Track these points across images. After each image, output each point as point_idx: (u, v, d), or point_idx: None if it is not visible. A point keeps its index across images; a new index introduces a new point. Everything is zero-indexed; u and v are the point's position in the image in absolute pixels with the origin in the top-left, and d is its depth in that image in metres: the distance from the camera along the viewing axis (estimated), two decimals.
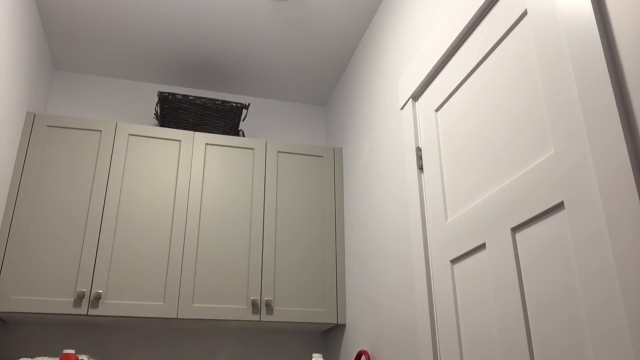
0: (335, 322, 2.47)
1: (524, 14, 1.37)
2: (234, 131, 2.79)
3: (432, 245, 1.73)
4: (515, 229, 1.32)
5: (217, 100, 2.74)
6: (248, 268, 2.46)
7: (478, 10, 1.55)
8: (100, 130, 2.50)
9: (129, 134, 2.53)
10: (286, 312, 2.43)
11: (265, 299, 2.40)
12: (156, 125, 2.79)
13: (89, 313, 2.20)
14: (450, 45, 1.70)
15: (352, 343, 2.38)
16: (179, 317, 2.29)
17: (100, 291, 2.22)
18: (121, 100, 2.97)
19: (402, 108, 2.04)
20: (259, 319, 2.38)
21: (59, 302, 2.19)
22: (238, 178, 2.61)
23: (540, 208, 1.22)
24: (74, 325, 2.46)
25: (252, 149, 2.68)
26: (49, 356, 2.22)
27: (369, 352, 2.17)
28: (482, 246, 1.45)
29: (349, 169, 2.68)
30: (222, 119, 2.75)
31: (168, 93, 2.67)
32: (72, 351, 2.07)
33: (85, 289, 2.22)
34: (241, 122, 2.82)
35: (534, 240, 1.25)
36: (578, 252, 1.10)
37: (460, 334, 1.52)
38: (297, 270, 2.52)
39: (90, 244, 2.30)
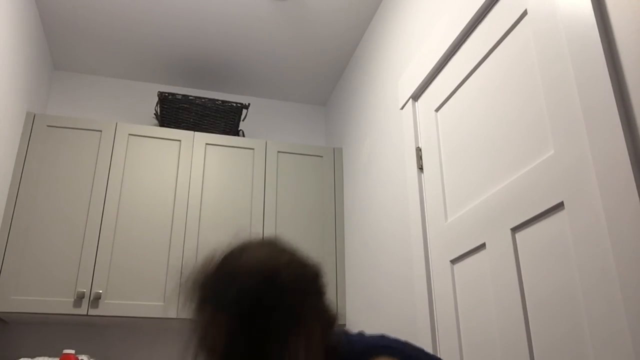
0: None
1: (524, 14, 1.37)
2: (234, 131, 2.79)
3: (432, 245, 1.73)
4: (515, 229, 1.32)
5: (217, 100, 2.74)
6: None
7: (478, 10, 1.55)
8: (100, 130, 2.50)
9: (129, 134, 2.53)
10: None
11: None
12: (156, 125, 2.79)
13: (89, 313, 2.20)
14: (451, 45, 1.70)
15: None
16: (179, 317, 2.29)
17: (100, 291, 2.22)
18: (121, 100, 2.96)
19: (402, 108, 2.04)
20: None
21: (59, 302, 2.19)
22: (238, 178, 2.61)
23: (540, 208, 1.22)
24: (74, 325, 2.46)
25: (252, 149, 2.68)
26: (49, 356, 2.22)
27: None
28: (482, 246, 1.45)
29: (349, 169, 2.68)
30: (222, 119, 2.75)
31: (168, 93, 2.67)
32: (72, 351, 2.07)
33: (85, 289, 2.22)
34: (241, 122, 2.81)
35: (534, 240, 1.25)
36: (578, 252, 1.10)
37: (460, 334, 1.52)
38: None
39: (90, 244, 2.29)
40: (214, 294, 0.71)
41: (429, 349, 1.65)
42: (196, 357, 0.70)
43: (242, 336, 0.68)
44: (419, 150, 1.89)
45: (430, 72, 1.82)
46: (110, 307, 2.23)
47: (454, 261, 1.60)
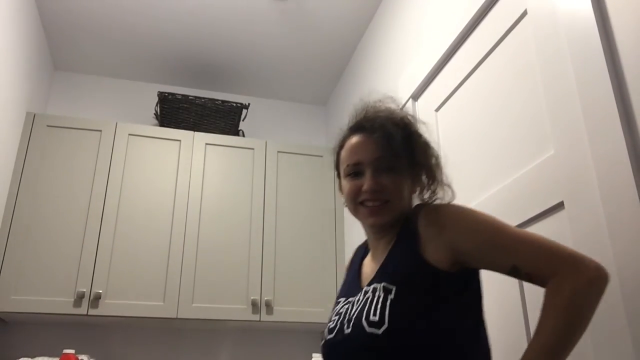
0: None
1: (524, 14, 1.37)
2: (234, 131, 2.79)
3: None
4: None
5: (217, 100, 2.74)
6: (248, 268, 2.45)
7: (478, 10, 1.55)
8: (100, 130, 2.50)
9: (129, 134, 2.53)
10: (286, 312, 2.43)
11: (265, 299, 2.40)
12: (156, 125, 2.79)
13: (89, 313, 2.20)
14: (450, 45, 1.69)
15: None
16: (179, 317, 2.29)
17: (100, 291, 2.22)
18: (121, 100, 2.96)
19: (402, 108, 2.04)
20: (259, 319, 2.37)
21: (59, 302, 2.19)
22: (238, 178, 2.61)
23: (540, 208, 1.22)
24: (74, 325, 2.46)
25: (252, 149, 2.68)
26: (49, 356, 2.22)
27: None
28: None
29: None
30: (222, 119, 2.75)
31: (168, 93, 2.67)
32: (72, 351, 2.07)
33: (85, 289, 2.22)
34: (241, 122, 2.81)
35: None
36: None
37: None
38: (297, 270, 2.52)
39: (90, 244, 2.29)
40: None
41: None
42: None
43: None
44: None
45: (430, 72, 1.82)
46: (110, 307, 2.23)
47: None
